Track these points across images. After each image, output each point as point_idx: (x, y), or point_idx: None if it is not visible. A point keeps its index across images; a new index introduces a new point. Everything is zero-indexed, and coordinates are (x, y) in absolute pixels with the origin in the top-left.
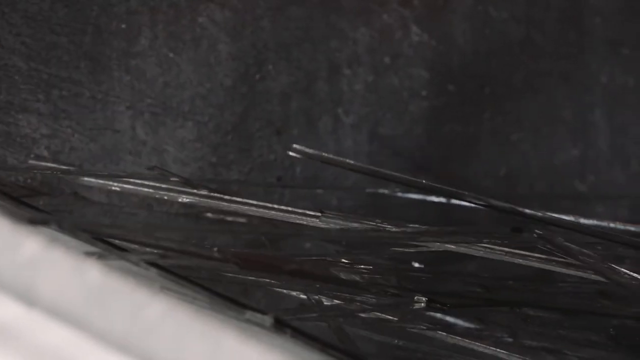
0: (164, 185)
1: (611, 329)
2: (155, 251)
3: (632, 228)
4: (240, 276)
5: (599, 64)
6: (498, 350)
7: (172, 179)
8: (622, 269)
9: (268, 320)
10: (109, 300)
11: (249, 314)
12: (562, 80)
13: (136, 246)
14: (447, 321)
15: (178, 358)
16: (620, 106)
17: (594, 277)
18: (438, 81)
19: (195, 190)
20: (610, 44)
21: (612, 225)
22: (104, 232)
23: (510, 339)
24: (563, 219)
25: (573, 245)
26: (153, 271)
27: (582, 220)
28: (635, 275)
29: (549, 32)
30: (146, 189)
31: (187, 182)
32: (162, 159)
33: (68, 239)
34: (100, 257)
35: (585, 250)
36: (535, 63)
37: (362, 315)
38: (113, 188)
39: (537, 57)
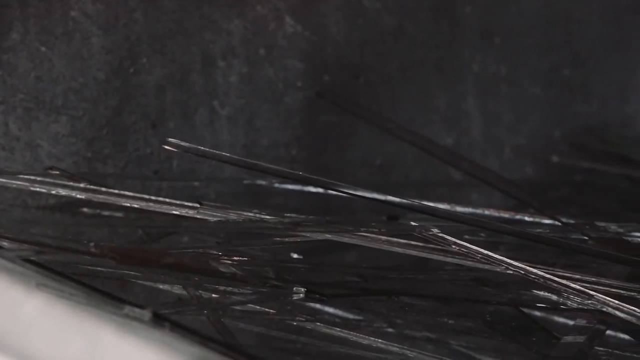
0: (39, 178)
1: (487, 315)
2: (31, 247)
3: (505, 215)
4: (117, 271)
5: (471, 53)
6: (377, 339)
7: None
8: (497, 256)
9: (146, 314)
10: None
11: (127, 309)
12: (435, 69)
13: (11, 243)
14: (325, 312)
15: (56, 355)
16: (493, 94)
17: (469, 264)
18: (313, 72)
19: (72, 183)
20: (481, 33)
21: (486, 212)
22: None
23: (388, 328)
24: (438, 207)
25: (448, 234)
26: (29, 268)
27: (457, 208)
28: (509, 261)
29: (421, 21)
30: (24, 183)
31: (71, 177)
32: (35, 154)
33: None
34: None
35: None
36: (409, 52)
37: (241, 307)
38: None
39: (410, 47)
